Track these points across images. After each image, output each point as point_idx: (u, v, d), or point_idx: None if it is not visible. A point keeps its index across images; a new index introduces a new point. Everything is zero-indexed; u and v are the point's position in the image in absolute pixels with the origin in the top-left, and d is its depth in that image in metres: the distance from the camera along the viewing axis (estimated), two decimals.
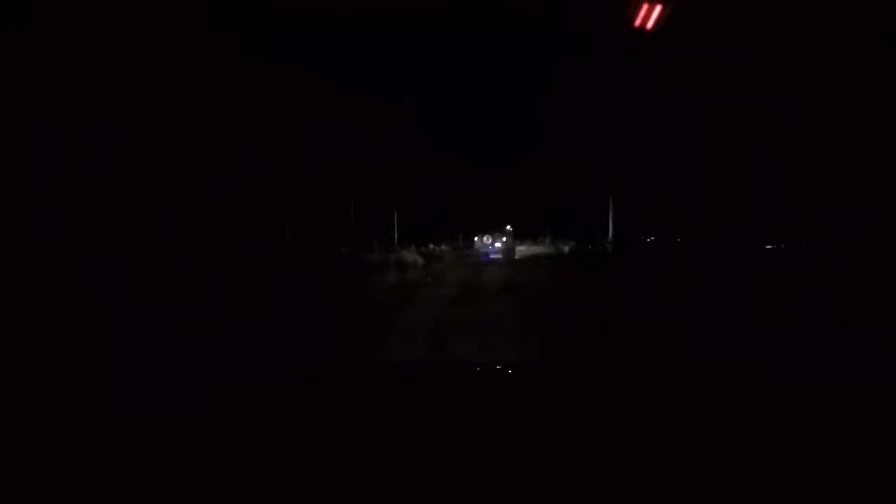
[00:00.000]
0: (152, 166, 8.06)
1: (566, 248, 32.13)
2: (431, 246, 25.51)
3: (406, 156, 24.35)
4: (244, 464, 0.91)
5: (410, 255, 18.07)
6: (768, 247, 18.11)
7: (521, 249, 33.16)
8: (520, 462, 0.91)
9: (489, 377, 1.66)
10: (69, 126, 6.98)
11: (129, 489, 0.83)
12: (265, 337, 5.03)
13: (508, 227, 38.61)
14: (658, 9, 6.85)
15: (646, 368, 1.76)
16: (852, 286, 7.92)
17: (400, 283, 11.30)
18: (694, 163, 21.15)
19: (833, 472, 0.85)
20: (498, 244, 35.86)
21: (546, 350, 4.77)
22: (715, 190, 21.24)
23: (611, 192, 27.40)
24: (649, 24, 7.07)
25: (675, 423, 1.10)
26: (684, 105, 19.11)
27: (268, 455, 0.95)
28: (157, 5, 8.03)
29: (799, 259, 14.14)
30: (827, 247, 14.90)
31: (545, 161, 31.61)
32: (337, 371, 1.80)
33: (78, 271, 6.09)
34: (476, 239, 39.36)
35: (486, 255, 31.08)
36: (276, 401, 1.30)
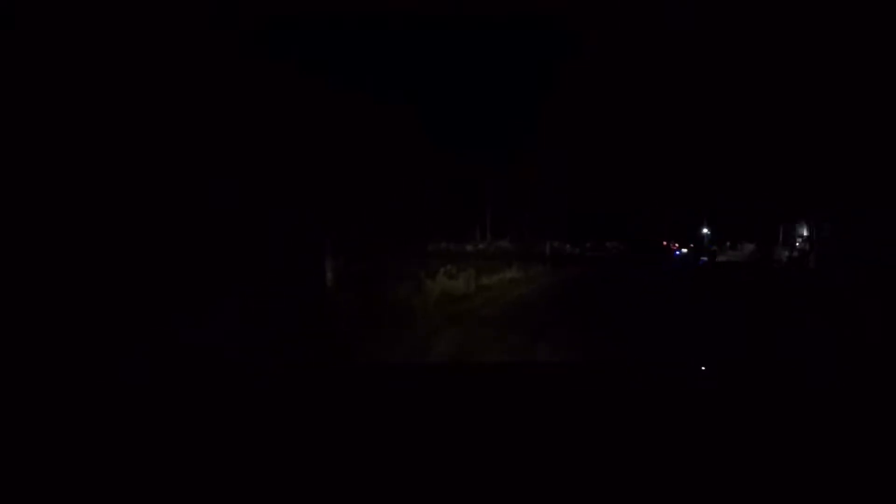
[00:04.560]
0: (150, 167, 8.06)
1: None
2: None
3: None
4: (239, 462, 0.90)
5: None
6: None
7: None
8: (518, 462, 0.90)
9: (489, 377, 1.64)
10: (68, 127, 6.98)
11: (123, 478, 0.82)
12: None
13: (705, 230, 31.91)
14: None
15: (646, 370, 1.75)
16: None
17: None
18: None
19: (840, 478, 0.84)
20: (684, 250, 30.79)
21: None
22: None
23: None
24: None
25: (671, 426, 1.08)
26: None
27: (263, 453, 0.94)
28: (156, 5, 8.03)
29: None
30: None
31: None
32: (335, 369, 1.79)
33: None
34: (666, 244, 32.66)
35: (672, 267, 24.87)
36: (273, 398, 1.29)
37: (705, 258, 25.38)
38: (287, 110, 11.74)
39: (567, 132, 25.38)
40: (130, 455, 0.93)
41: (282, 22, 11.38)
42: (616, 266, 23.44)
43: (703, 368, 1.72)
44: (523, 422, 1.11)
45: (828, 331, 6.44)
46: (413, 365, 4.01)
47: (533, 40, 18.48)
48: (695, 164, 28.31)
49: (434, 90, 18.17)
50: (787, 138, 22.54)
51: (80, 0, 7.17)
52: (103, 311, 5.38)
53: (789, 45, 15.98)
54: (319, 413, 1.20)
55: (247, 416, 1.16)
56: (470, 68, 18.84)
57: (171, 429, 1.06)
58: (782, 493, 0.80)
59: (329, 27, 13.19)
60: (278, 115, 11.37)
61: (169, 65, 8.30)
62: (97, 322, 5.05)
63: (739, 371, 1.61)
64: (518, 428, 1.07)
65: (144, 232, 7.44)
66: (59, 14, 6.81)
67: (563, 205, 27.21)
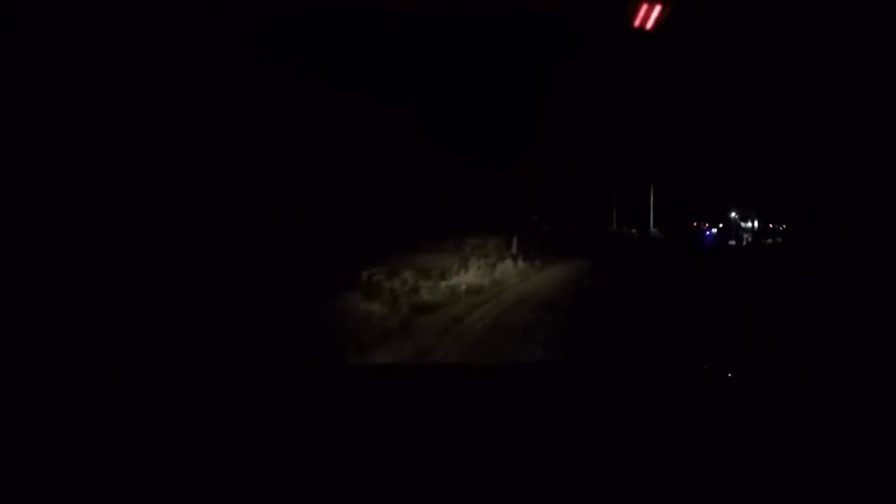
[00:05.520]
0: (151, 167, 8.05)
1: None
2: None
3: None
4: (239, 462, 0.90)
5: None
6: None
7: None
8: (518, 462, 0.90)
9: (488, 377, 1.64)
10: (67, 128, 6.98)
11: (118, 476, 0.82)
12: None
13: (734, 213, 35.71)
14: (658, 8, 6.88)
15: (646, 370, 1.75)
16: None
17: None
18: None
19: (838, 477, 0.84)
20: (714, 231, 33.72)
21: None
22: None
23: None
24: (649, 25, 7.11)
25: (671, 425, 1.08)
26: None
27: (263, 453, 0.94)
28: (156, 4, 8.04)
29: None
30: None
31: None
32: (333, 369, 1.79)
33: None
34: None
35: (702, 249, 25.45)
36: (273, 398, 1.29)
37: (733, 242, 26.29)
38: (287, 110, 11.75)
39: (567, 132, 25.49)
40: (130, 455, 0.92)
41: (282, 22, 11.39)
42: (628, 261, 18.05)
43: (704, 369, 1.72)
44: (523, 422, 1.11)
45: (828, 331, 6.44)
46: (413, 365, 4.01)
47: (533, 40, 18.50)
48: (692, 162, 29.16)
49: (434, 90, 18.17)
50: (785, 137, 22.80)
51: (80, 0, 7.17)
52: (103, 310, 5.38)
53: (789, 46, 16.06)
54: (318, 413, 1.20)
55: (246, 416, 1.16)
56: (470, 68, 18.84)
57: (170, 429, 1.06)
58: (782, 494, 0.80)
59: (329, 27, 13.20)
60: (278, 115, 11.38)
61: (169, 65, 8.31)
62: (97, 322, 5.05)
63: (739, 371, 1.61)
64: (518, 428, 1.07)
65: (144, 232, 7.44)
66: (60, 14, 6.81)
67: (563, 205, 27.37)
